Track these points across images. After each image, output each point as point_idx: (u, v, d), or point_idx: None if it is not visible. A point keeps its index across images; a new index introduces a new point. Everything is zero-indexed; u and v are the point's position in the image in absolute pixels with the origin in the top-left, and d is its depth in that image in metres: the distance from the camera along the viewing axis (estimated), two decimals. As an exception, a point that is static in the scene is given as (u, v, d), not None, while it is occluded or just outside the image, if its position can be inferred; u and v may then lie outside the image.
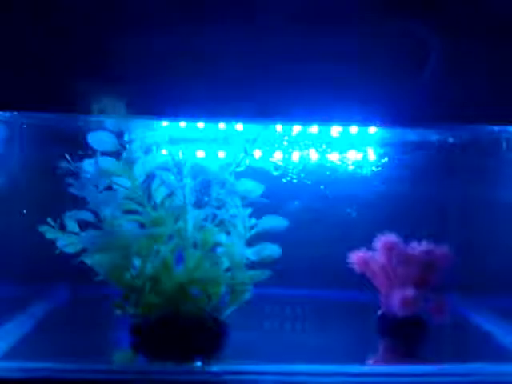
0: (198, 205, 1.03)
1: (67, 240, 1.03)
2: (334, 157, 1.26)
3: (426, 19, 0.94)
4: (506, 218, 1.17)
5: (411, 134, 1.23)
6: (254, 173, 1.06)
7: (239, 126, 1.08)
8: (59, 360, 0.91)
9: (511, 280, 1.14)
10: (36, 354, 0.96)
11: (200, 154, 1.16)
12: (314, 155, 1.26)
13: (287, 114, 0.96)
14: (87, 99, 0.93)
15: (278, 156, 1.24)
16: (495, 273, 1.18)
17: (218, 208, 1.04)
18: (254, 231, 1.05)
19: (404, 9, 0.94)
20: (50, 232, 1.03)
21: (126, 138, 1.02)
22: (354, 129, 1.12)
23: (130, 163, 1.02)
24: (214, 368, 0.91)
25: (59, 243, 1.04)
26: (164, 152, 1.05)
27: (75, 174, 1.02)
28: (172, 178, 1.02)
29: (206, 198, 1.04)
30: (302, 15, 0.94)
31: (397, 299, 1.08)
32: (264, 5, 0.94)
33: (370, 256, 1.14)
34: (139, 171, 1.03)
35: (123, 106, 0.94)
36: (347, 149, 1.26)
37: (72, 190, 1.01)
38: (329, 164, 1.27)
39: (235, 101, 0.94)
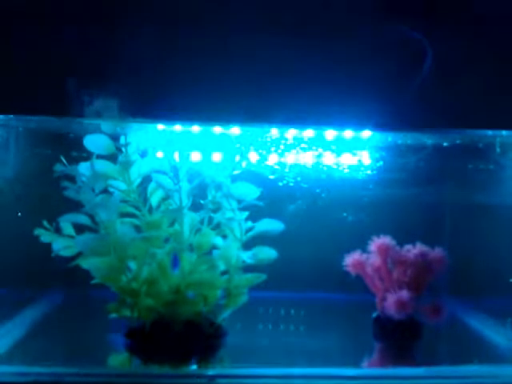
0: (194, 208, 1.03)
1: (63, 243, 1.03)
2: (329, 160, 1.27)
3: (419, 26, 0.95)
4: (500, 221, 1.18)
5: (405, 138, 1.24)
6: (250, 176, 1.06)
7: (235, 130, 1.08)
8: (54, 364, 0.91)
9: (505, 282, 1.14)
10: (31, 358, 0.96)
11: (196, 156, 1.16)
12: (309, 159, 1.26)
13: (283, 118, 0.97)
14: (83, 102, 0.93)
15: (274, 159, 1.25)
16: (489, 275, 1.18)
17: (214, 211, 1.04)
18: (250, 234, 1.05)
19: (398, 16, 0.95)
20: (45, 235, 1.03)
21: (122, 141, 1.02)
22: (348, 133, 1.12)
23: (126, 166, 1.02)
24: (210, 371, 0.91)
25: (55, 246, 1.04)
26: (160, 155, 1.05)
27: (71, 178, 1.02)
28: (168, 181, 1.02)
29: (202, 201, 1.04)
30: (297, 21, 0.95)
31: (392, 302, 1.08)
32: (260, 9, 0.94)
33: (365, 259, 1.14)
34: (135, 174, 1.03)
35: (119, 109, 0.94)
36: (342, 152, 1.27)
37: (68, 194, 1.01)
38: (324, 167, 1.27)
39: (231, 105, 0.95)
